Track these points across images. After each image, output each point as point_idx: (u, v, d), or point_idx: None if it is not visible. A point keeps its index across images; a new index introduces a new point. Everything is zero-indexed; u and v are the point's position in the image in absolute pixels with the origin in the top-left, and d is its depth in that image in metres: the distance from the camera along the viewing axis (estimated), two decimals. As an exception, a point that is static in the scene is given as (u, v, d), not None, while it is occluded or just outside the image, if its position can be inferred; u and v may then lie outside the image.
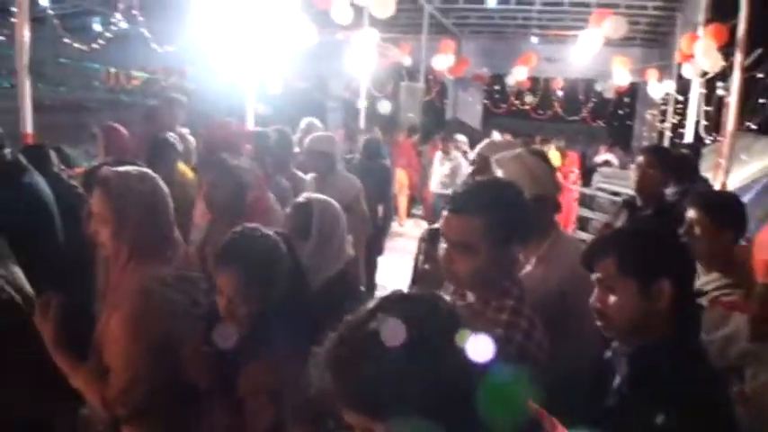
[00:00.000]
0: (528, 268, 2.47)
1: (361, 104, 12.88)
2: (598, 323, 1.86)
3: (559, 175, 6.35)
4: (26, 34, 5.68)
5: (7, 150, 3.40)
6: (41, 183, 3.47)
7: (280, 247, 2.15)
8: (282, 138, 5.14)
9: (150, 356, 2.06)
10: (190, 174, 4.97)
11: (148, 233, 2.18)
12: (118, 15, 9.57)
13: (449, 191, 5.93)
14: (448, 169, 9.84)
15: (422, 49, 15.42)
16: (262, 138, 5.10)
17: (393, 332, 1.00)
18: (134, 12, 9.73)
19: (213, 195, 3.32)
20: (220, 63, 8.09)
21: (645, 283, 1.75)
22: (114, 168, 2.25)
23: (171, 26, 12.02)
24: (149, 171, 2.29)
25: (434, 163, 10.41)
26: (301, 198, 3.01)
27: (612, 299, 1.80)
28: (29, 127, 5.76)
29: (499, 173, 2.59)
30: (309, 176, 4.87)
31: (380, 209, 6.53)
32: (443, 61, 15.19)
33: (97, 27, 14.57)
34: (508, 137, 11.79)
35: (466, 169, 7.40)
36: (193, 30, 9.39)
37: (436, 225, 2.23)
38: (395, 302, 1.09)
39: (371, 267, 6.41)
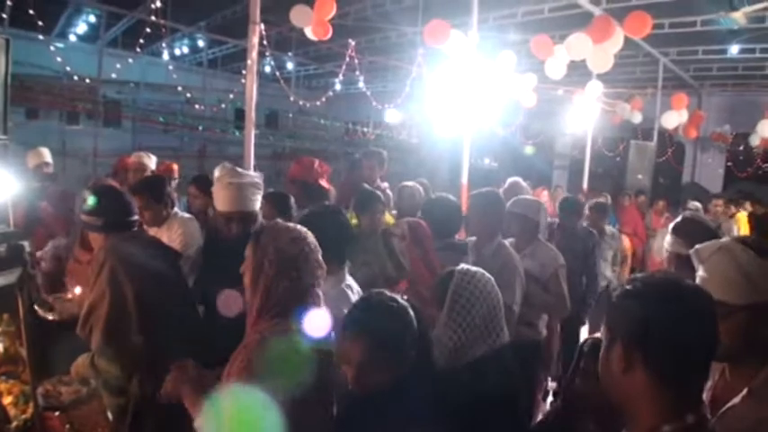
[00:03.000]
0: (735, 400, 1.84)
1: (586, 163, 12.20)
2: None
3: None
4: (254, 93, 6.35)
5: None
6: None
7: (408, 315, 2.10)
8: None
9: None
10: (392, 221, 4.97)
11: (280, 287, 2.20)
12: (341, 77, 10.13)
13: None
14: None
15: (656, 104, 14.32)
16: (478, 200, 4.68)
17: None
18: (357, 73, 10.22)
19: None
20: (443, 119, 8.22)
21: None
22: (276, 222, 2.36)
23: (398, 87, 12.51)
24: (307, 233, 2.32)
25: (659, 232, 9.38)
26: (449, 268, 2.73)
27: None
28: (251, 172, 6.15)
29: (700, 270, 1.99)
30: (508, 242, 4.40)
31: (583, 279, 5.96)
32: (675, 118, 13.76)
33: (337, 87, 15.65)
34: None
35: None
36: (419, 89, 9.77)
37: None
38: None
39: (569, 349, 5.69)
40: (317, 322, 2.24)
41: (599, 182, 13.44)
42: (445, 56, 7.95)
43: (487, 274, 2.66)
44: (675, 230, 3.21)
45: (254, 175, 3.67)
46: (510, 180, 6.53)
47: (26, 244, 3.09)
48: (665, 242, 3.29)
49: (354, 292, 3.06)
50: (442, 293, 2.57)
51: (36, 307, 3.31)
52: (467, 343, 2.48)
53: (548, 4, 11.26)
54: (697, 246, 2.08)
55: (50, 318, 3.48)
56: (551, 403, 5.48)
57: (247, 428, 1.96)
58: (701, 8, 10.71)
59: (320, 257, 2.33)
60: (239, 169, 3.64)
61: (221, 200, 3.56)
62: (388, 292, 2.19)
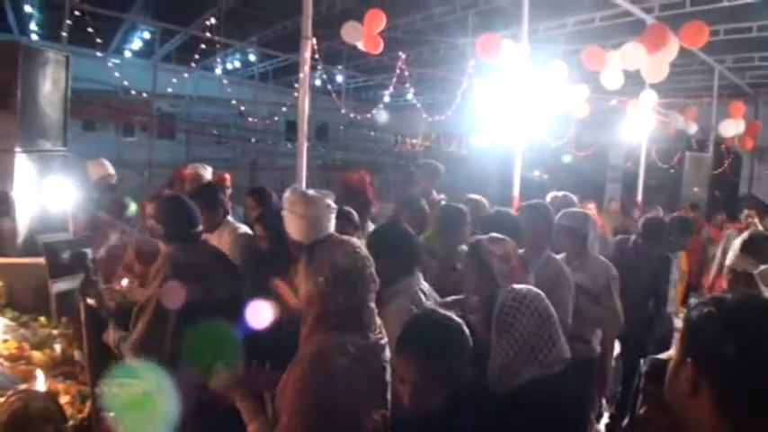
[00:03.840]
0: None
1: (641, 176, 11.95)
2: None
3: None
4: (306, 107, 6.45)
5: None
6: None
7: (463, 333, 2.09)
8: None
9: (314, 419, 2.05)
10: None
11: (336, 300, 2.20)
12: (391, 89, 10.19)
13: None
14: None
15: (712, 114, 13.93)
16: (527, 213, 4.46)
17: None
18: (407, 85, 10.26)
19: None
20: (492, 130, 8.22)
21: None
22: (331, 236, 2.44)
23: (448, 98, 12.51)
24: (360, 247, 2.32)
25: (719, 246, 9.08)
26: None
27: None
28: (303, 183, 6.46)
29: (766, 292, 1.89)
30: (560, 256, 4.30)
31: (650, 303, 5.48)
32: (732, 127, 13.17)
33: (387, 99, 15.79)
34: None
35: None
36: (470, 100, 9.78)
37: (665, 355, 1.68)
38: None
39: (630, 372, 5.31)
40: (370, 336, 2.26)
41: (653, 194, 13.14)
42: (496, 67, 7.92)
43: (535, 290, 2.61)
44: (745, 248, 3.07)
45: (325, 196, 3.43)
46: (557, 193, 6.36)
47: (89, 251, 3.18)
48: (729, 258, 3.16)
49: (429, 297, 3.12)
50: (489, 313, 2.54)
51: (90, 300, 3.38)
52: (516, 360, 2.43)
53: (599, 12, 11.14)
54: (762, 267, 1.99)
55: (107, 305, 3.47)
56: (606, 425, 5.34)
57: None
58: (756, 14, 10.39)
59: (374, 271, 2.31)
60: (311, 194, 3.40)
61: (297, 230, 3.26)
62: (442, 310, 2.18)
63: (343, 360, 2.12)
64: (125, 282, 3.78)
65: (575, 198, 6.25)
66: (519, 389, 2.39)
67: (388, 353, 2.30)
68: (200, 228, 3.31)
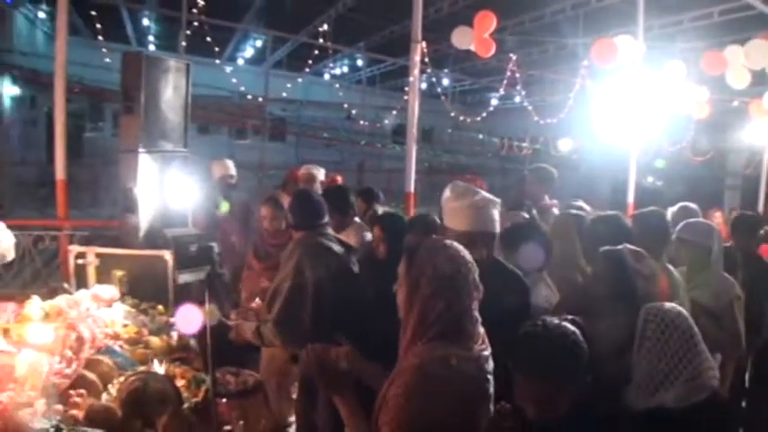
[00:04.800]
0: None
1: (762, 183, 11.19)
2: None
3: None
4: (416, 110, 6.62)
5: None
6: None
7: (580, 346, 2.01)
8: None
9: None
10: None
11: (437, 306, 2.08)
12: (501, 91, 10.07)
13: None
14: None
15: None
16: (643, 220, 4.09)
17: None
18: (518, 87, 10.12)
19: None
20: (605, 133, 7.96)
21: None
22: (433, 239, 2.37)
23: (558, 100, 12.21)
24: (464, 252, 2.20)
25: None
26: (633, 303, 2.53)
27: None
28: (411, 186, 6.70)
29: None
30: (678, 271, 3.98)
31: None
32: None
33: (494, 102, 15.62)
34: None
35: None
36: (581, 102, 9.51)
37: None
38: None
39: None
40: (473, 347, 2.15)
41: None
42: (610, 67, 7.66)
43: (678, 307, 2.44)
44: None
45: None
46: (680, 205, 5.87)
47: (215, 245, 3.40)
48: None
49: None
50: (625, 330, 2.42)
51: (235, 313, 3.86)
52: (656, 378, 2.29)
53: (717, 7, 10.55)
54: None
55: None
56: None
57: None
58: None
59: (477, 277, 2.18)
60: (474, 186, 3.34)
61: (460, 219, 3.14)
62: (555, 320, 2.08)
63: (447, 374, 2.02)
64: (257, 301, 4.04)
65: (696, 207, 5.78)
66: (657, 410, 2.27)
67: (491, 364, 2.17)
68: (327, 218, 3.71)
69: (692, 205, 5.51)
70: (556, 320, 2.08)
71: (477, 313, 2.16)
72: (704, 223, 4.27)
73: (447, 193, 3.24)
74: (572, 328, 2.04)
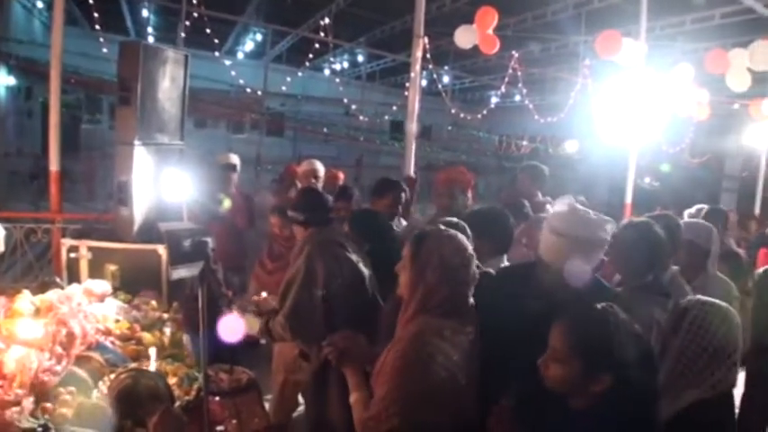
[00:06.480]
0: None
1: (759, 186, 11.20)
2: None
3: None
4: (416, 106, 6.54)
5: None
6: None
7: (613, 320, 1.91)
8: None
9: (410, 398, 2.11)
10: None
11: (440, 293, 2.24)
12: (502, 89, 10.03)
13: None
14: None
15: None
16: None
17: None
18: (519, 85, 10.09)
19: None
20: (606, 134, 7.92)
21: None
22: (440, 230, 2.41)
23: (557, 99, 12.16)
24: (467, 244, 2.34)
25: None
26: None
27: None
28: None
29: None
30: (674, 269, 3.86)
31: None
32: None
33: (494, 100, 15.56)
34: None
35: None
36: (581, 102, 9.48)
37: None
38: None
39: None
40: (467, 327, 2.29)
41: (768, 207, 12.16)
42: (612, 67, 7.61)
43: (725, 307, 2.32)
44: None
45: (605, 221, 2.66)
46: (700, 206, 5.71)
47: (209, 240, 3.36)
48: None
49: None
50: (678, 321, 2.32)
51: (234, 307, 3.88)
52: (685, 373, 2.23)
53: (719, 9, 10.50)
54: None
55: (253, 313, 3.80)
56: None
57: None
58: None
59: (475, 268, 2.33)
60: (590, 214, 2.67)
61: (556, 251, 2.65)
62: (600, 306, 1.97)
63: (442, 344, 2.17)
64: (264, 294, 4.04)
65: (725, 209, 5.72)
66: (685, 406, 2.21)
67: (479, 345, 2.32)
68: (333, 215, 3.81)
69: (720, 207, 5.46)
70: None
71: (472, 299, 2.34)
72: (704, 224, 4.24)
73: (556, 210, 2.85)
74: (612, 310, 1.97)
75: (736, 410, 2.77)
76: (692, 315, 2.27)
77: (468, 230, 3.06)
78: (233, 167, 6.33)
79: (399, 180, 5.06)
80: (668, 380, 2.23)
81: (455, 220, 3.23)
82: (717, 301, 2.35)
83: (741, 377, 4.72)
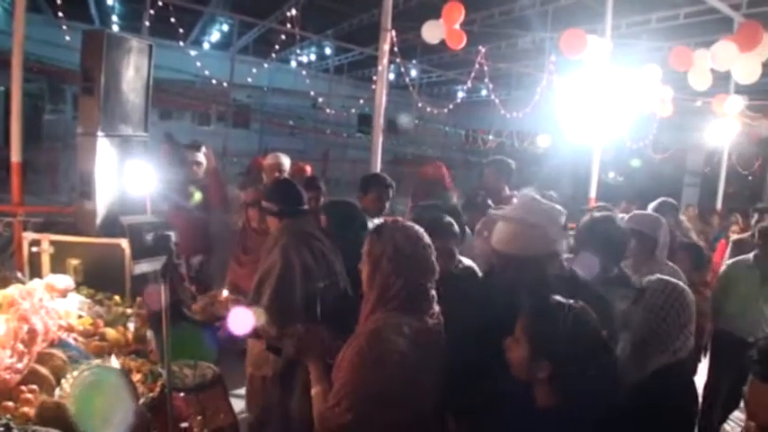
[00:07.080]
0: None
1: (721, 181, 11.44)
2: None
3: None
4: (383, 99, 6.56)
5: None
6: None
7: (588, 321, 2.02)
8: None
9: (364, 393, 2.15)
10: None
11: (396, 284, 2.26)
12: (468, 84, 10.09)
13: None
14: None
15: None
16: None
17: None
18: (485, 80, 10.15)
19: None
20: (571, 129, 8.02)
21: None
22: (395, 220, 2.48)
23: (523, 95, 12.25)
24: (423, 234, 2.37)
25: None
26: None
27: None
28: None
29: None
30: (627, 262, 3.98)
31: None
32: None
33: (461, 95, 15.60)
34: None
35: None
36: (547, 98, 9.58)
37: None
38: None
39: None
40: (428, 320, 2.32)
41: (730, 202, 12.46)
42: (577, 64, 7.70)
43: (681, 285, 2.53)
44: None
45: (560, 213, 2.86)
46: (661, 199, 5.86)
47: (172, 234, 3.29)
48: None
49: None
50: (639, 296, 2.52)
51: (185, 310, 3.66)
52: (648, 341, 2.42)
53: (683, 9, 10.70)
54: None
55: (196, 318, 3.64)
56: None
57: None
58: None
59: (435, 259, 2.36)
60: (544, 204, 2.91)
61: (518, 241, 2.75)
62: (560, 299, 2.04)
63: (399, 340, 2.18)
64: (225, 293, 3.90)
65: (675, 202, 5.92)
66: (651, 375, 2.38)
67: (444, 338, 2.36)
68: (306, 206, 3.78)
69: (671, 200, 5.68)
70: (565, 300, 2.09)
71: (434, 291, 2.35)
72: (652, 215, 4.39)
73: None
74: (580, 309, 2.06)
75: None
76: (650, 290, 2.47)
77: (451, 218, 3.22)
78: (197, 147, 6.26)
79: (385, 176, 5.09)
80: (633, 349, 2.43)
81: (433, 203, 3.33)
82: (672, 279, 2.55)
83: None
